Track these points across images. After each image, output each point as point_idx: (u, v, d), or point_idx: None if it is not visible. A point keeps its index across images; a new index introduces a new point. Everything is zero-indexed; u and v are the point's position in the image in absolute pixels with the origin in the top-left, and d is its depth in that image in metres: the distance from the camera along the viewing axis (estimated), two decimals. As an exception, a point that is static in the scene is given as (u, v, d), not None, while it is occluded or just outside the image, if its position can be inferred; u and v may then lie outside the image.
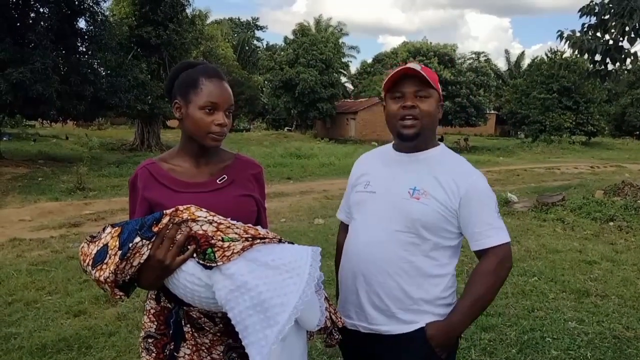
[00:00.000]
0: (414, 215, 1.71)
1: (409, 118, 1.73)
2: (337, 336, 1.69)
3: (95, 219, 8.75)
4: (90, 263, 1.44)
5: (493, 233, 1.72)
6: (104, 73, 17.98)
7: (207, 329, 1.56)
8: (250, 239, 1.45)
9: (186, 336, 1.56)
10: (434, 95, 1.76)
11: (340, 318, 1.69)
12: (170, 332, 1.59)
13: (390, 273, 1.73)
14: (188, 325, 1.56)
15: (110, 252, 1.42)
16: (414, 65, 1.75)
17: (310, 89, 39.03)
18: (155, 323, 1.61)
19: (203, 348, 1.57)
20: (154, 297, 1.63)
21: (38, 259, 6.02)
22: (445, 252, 1.77)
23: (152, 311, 1.62)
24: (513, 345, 3.69)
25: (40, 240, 7.10)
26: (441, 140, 1.89)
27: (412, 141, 1.77)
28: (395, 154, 1.87)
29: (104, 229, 1.49)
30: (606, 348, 3.71)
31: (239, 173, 1.71)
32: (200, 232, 1.43)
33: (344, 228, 2.06)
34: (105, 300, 4.53)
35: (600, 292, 4.89)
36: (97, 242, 1.47)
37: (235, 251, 1.41)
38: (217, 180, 1.65)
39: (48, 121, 20.39)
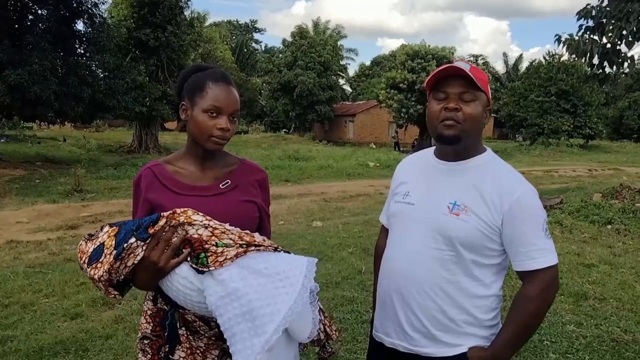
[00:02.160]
0: (452, 233, 1.59)
1: (450, 120, 1.60)
2: (330, 349, 1.67)
3: (93, 221, 8.73)
4: (86, 261, 1.45)
5: (538, 255, 1.57)
6: (102, 75, 17.99)
7: (202, 332, 1.55)
8: (244, 246, 1.44)
9: (181, 339, 1.56)
10: (480, 99, 1.61)
11: (335, 331, 1.67)
12: (166, 334, 1.58)
13: (429, 293, 1.63)
14: (183, 328, 1.56)
15: (106, 251, 1.42)
16: (461, 64, 1.61)
17: (309, 91, 39.16)
18: (152, 324, 1.61)
19: (198, 352, 1.56)
20: (151, 298, 1.62)
21: (35, 262, 6.00)
22: (488, 271, 1.65)
23: (149, 312, 1.62)
24: (511, 349, 3.68)
25: (38, 242, 7.08)
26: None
27: (451, 144, 1.64)
28: (437, 162, 1.73)
29: (102, 228, 1.49)
30: (604, 351, 3.71)
31: (243, 178, 1.71)
32: (195, 236, 1.43)
33: (385, 232, 1.95)
34: (102, 303, 4.51)
35: (598, 295, 4.89)
36: (94, 241, 1.47)
37: (228, 257, 1.40)
38: (220, 185, 1.65)
39: (46, 123, 20.38)
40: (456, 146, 1.64)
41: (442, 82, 1.62)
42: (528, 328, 1.63)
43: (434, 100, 1.65)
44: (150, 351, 1.60)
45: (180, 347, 1.56)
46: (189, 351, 1.55)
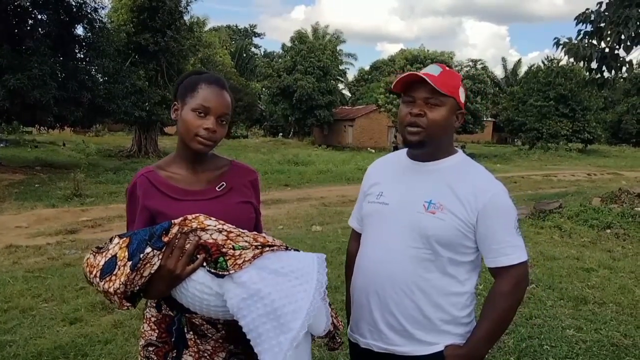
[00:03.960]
0: (429, 231, 1.62)
1: (414, 125, 1.64)
2: (339, 340, 1.69)
3: (92, 226, 8.73)
4: (97, 274, 1.43)
5: (510, 251, 1.62)
6: (101, 79, 17.99)
7: (210, 335, 1.56)
8: (259, 247, 1.46)
9: (189, 343, 1.56)
10: (447, 104, 1.64)
11: (341, 322, 1.69)
12: (172, 339, 1.58)
13: (406, 292, 1.65)
14: (191, 332, 1.56)
15: (119, 263, 1.41)
16: (433, 68, 1.65)
17: (308, 96, 39.15)
18: (157, 331, 1.60)
19: (205, 355, 1.57)
20: (154, 305, 1.62)
21: (34, 266, 5.99)
22: (463, 268, 1.68)
23: (153, 319, 1.61)
24: (511, 353, 3.68)
25: (37, 247, 7.07)
26: (463, 147, 1.79)
27: (416, 149, 1.69)
28: (410, 162, 1.76)
29: (111, 240, 1.48)
30: (604, 356, 3.71)
31: (236, 180, 1.72)
32: (210, 240, 1.44)
33: (355, 236, 1.97)
34: (101, 307, 4.50)
35: (598, 300, 4.89)
36: (104, 253, 1.46)
37: (246, 259, 1.41)
38: (217, 188, 1.66)
39: (45, 127, 20.38)
40: (422, 150, 1.69)
41: (410, 86, 1.65)
42: (502, 323, 1.67)
43: (403, 104, 1.69)
44: (156, 358, 1.59)
45: (187, 352, 1.56)
46: (196, 355, 1.55)
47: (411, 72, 1.65)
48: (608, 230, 7.92)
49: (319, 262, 1.47)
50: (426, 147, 1.67)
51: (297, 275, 1.42)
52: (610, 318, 4.42)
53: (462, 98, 1.69)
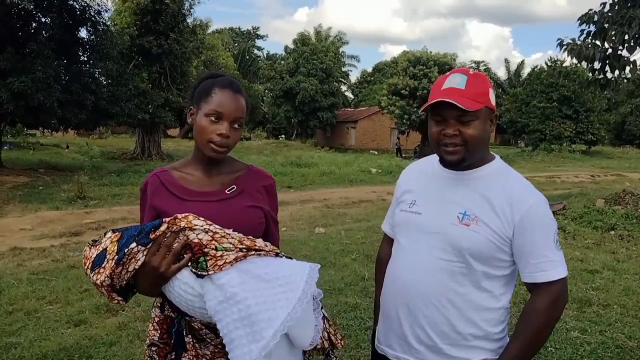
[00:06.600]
0: (463, 244, 1.55)
1: (450, 145, 1.55)
2: (334, 358, 1.66)
3: (96, 228, 8.74)
4: (89, 266, 1.46)
5: (548, 267, 1.53)
6: (105, 82, 18.01)
7: (209, 340, 1.54)
8: (244, 250, 1.44)
9: (187, 347, 1.55)
10: (481, 115, 1.53)
11: (340, 340, 1.65)
12: (172, 341, 1.58)
13: (437, 306, 1.59)
14: (189, 336, 1.55)
15: (108, 256, 1.43)
16: (458, 79, 1.54)
17: (311, 98, 39.26)
18: (159, 331, 1.60)
19: (204, 359, 1.56)
20: (158, 305, 1.62)
21: (39, 268, 6.01)
22: (498, 282, 1.61)
23: (157, 319, 1.62)
24: (515, 355, 3.67)
25: (41, 249, 7.09)
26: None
27: (455, 167, 1.60)
28: (443, 171, 1.67)
29: (105, 234, 1.51)
30: (609, 358, 3.70)
31: (249, 184, 1.70)
32: (196, 240, 1.43)
33: (387, 241, 1.92)
34: (106, 309, 4.51)
35: (602, 302, 4.87)
36: (97, 246, 1.48)
37: (227, 261, 1.40)
38: (226, 191, 1.65)
39: (49, 130, 20.43)
40: (461, 165, 1.61)
41: (438, 104, 1.54)
42: (537, 342, 1.58)
43: (432, 121, 1.60)
44: (157, 358, 1.60)
45: (186, 355, 1.55)
46: (194, 359, 1.55)
47: (439, 99, 1.52)
48: (612, 232, 7.89)
49: (310, 272, 1.42)
50: (466, 162, 1.59)
51: (281, 283, 1.37)
52: (615, 320, 4.41)
53: (493, 100, 1.59)
